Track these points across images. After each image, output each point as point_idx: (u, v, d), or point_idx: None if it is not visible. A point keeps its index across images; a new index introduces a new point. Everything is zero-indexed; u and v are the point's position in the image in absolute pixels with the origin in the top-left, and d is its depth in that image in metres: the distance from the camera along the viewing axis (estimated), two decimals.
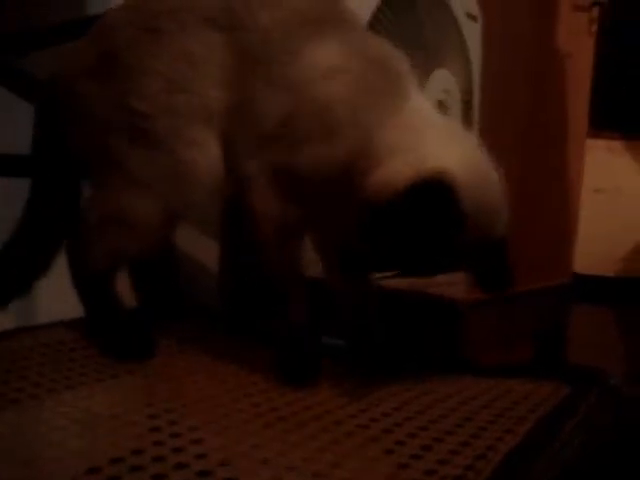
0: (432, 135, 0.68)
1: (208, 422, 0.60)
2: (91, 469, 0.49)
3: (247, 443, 0.55)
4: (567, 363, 1.37)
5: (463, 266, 0.70)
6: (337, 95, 0.69)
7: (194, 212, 0.81)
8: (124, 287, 0.92)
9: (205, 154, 0.73)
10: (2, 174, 0.92)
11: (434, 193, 0.62)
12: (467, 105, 1.40)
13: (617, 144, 3.16)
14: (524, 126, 2.14)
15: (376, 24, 1.16)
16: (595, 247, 2.95)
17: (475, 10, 1.43)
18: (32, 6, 1.03)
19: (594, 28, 2.43)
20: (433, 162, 0.64)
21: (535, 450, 0.58)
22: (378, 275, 0.86)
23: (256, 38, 0.72)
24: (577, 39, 2.33)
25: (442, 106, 1.29)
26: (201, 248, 1.17)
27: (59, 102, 0.77)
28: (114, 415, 0.59)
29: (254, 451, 0.54)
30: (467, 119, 1.40)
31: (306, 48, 0.71)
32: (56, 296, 1.15)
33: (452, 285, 1.30)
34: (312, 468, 0.52)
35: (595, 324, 2.13)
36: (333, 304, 0.89)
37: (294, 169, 0.72)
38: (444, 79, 1.30)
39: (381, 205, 0.62)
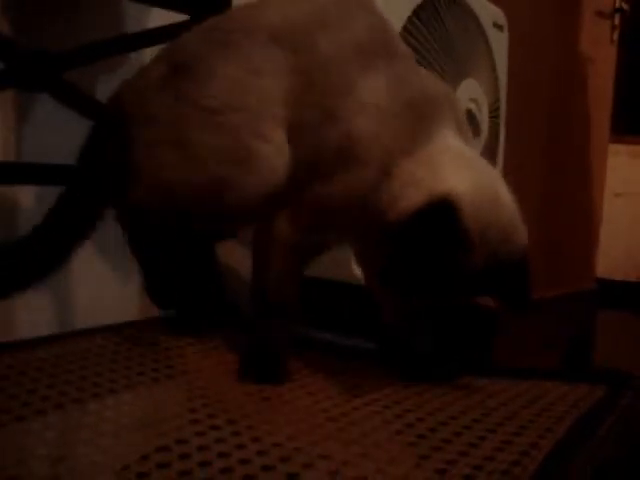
0: (449, 166, 0.71)
1: (245, 415, 0.63)
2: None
3: (304, 440, 0.58)
4: (598, 367, 1.39)
5: (482, 290, 0.71)
6: (370, 131, 0.73)
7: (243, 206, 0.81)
8: None
9: (269, 147, 0.76)
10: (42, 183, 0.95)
11: (438, 215, 0.65)
12: (494, 114, 1.43)
13: (638, 149, 3.17)
14: (547, 131, 2.16)
15: (406, 35, 1.19)
16: (616, 251, 2.96)
17: (502, 20, 1.46)
18: (77, 25, 1.08)
19: (616, 35, 2.45)
20: (442, 187, 0.67)
21: (575, 447, 0.61)
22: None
23: (315, 62, 0.75)
24: (600, 45, 2.35)
25: (470, 115, 1.32)
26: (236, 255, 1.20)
27: (126, 112, 0.80)
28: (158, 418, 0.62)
29: (311, 448, 0.57)
30: (494, 128, 1.43)
31: (359, 81, 0.74)
32: (92, 302, 1.20)
33: None
34: (370, 465, 0.55)
35: (617, 329, 2.15)
36: (372, 309, 0.92)
37: (322, 199, 0.75)
38: (472, 88, 1.33)
39: (394, 230, 0.65)
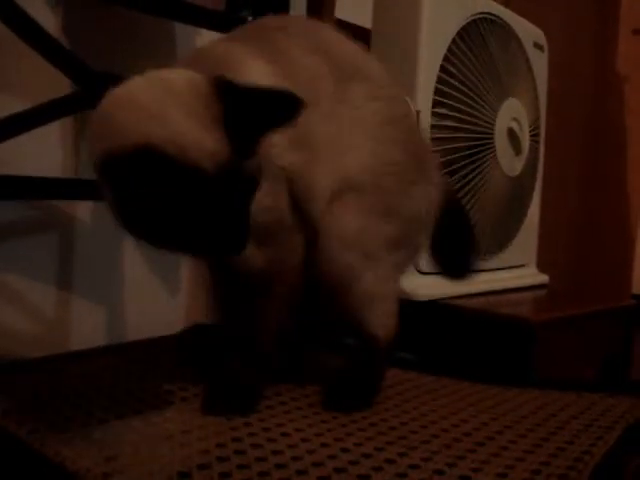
0: None
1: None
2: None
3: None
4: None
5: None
6: None
7: None
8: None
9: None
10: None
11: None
12: (534, 132, 1.46)
13: None
14: (584, 148, 2.19)
15: (451, 56, 1.23)
16: None
17: (542, 40, 1.49)
18: (135, 48, 1.14)
19: None
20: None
21: (627, 453, 0.64)
22: None
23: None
24: (636, 64, 2.37)
25: (512, 134, 1.35)
26: None
27: None
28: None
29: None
30: (534, 146, 1.46)
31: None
32: (141, 315, 1.24)
33: (522, 305, 1.36)
34: (432, 466, 0.58)
35: None
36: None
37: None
38: (514, 108, 1.37)
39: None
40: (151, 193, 0.57)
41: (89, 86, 0.85)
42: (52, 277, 1.14)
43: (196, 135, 0.58)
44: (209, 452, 0.60)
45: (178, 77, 0.62)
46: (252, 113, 0.60)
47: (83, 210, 1.17)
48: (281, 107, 0.61)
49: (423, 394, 0.82)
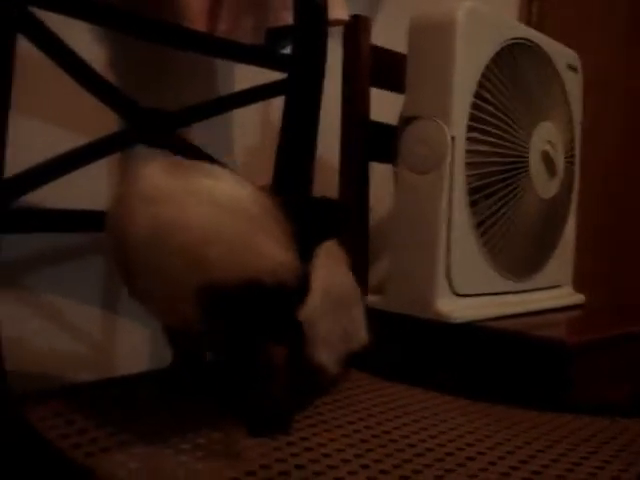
0: None
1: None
2: None
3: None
4: None
5: None
6: None
7: None
8: None
9: None
10: None
11: None
12: (570, 154, 1.47)
13: None
14: (617, 164, 2.19)
15: (485, 82, 1.25)
16: None
17: (576, 61, 1.51)
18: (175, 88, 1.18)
19: None
20: None
21: None
22: None
23: None
24: None
25: (547, 157, 1.37)
26: None
27: None
28: None
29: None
30: (569, 168, 1.48)
31: None
32: None
33: (558, 326, 1.37)
34: None
35: None
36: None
37: None
38: (548, 131, 1.39)
39: None
40: (249, 312, 0.62)
41: (138, 122, 0.89)
42: (98, 301, 1.19)
43: (283, 259, 0.62)
44: (255, 474, 0.63)
45: (240, 194, 0.64)
46: (314, 226, 0.65)
47: None
48: (335, 217, 0.67)
49: (458, 416, 0.84)
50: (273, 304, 0.62)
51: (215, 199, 0.62)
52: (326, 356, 0.84)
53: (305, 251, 0.64)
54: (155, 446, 0.68)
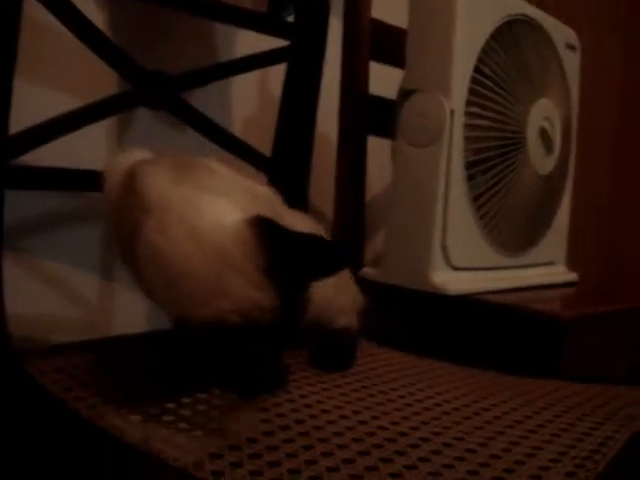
0: None
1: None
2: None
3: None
4: None
5: None
6: None
7: None
8: None
9: None
10: None
11: None
12: (566, 132, 1.48)
13: None
14: (612, 148, 2.20)
15: (484, 57, 1.26)
16: None
17: (574, 40, 1.51)
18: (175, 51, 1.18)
19: None
20: None
21: None
22: None
23: None
24: None
25: (544, 134, 1.38)
26: None
27: None
28: None
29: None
30: (566, 146, 1.49)
31: None
32: None
33: (552, 301, 1.38)
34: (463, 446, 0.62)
35: None
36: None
37: None
38: (546, 108, 1.39)
39: None
40: (217, 349, 0.62)
41: (142, 85, 0.89)
42: (96, 266, 1.20)
43: (253, 298, 0.61)
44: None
45: (222, 229, 0.64)
46: (297, 264, 0.63)
47: None
48: (326, 258, 0.65)
49: (454, 380, 0.86)
50: (242, 341, 0.61)
51: (197, 234, 0.63)
52: (346, 321, 0.91)
53: (294, 285, 0.63)
54: (154, 405, 0.69)
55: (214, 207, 0.66)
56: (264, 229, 0.63)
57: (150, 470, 0.59)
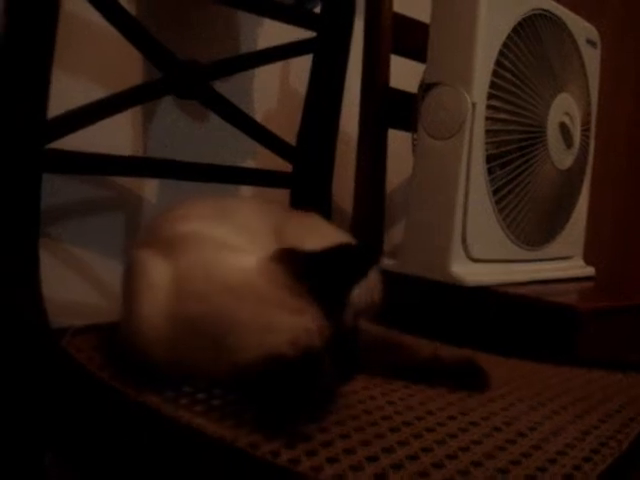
0: None
1: None
2: None
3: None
4: None
5: None
6: None
7: None
8: None
9: None
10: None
11: None
12: (586, 127, 1.49)
13: None
14: (630, 143, 2.20)
15: (506, 51, 1.27)
16: None
17: (595, 36, 1.52)
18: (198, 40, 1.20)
19: None
20: None
21: None
22: None
23: None
24: None
25: (564, 128, 1.39)
26: None
27: None
28: None
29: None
30: (585, 141, 1.50)
31: None
32: None
33: (570, 294, 1.39)
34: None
35: None
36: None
37: None
38: (566, 103, 1.40)
39: None
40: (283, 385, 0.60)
41: (173, 73, 0.91)
42: (118, 252, 1.22)
43: (300, 324, 0.62)
44: None
45: (247, 270, 0.66)
46: (333, 278, 0.65)
47: (150, 190, 1.25)
48: (354, 262, 0.67)
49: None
50: (303, 371, 0.59)
51: (226, 283, 0.65)
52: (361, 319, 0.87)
53: (332, 300, 0.64)
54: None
55: (231, 258, 0.69)
56: (285, 258, 0.66)
57: (185, 443, 0.60)
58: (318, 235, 0.84)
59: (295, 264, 0.65)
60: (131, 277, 0.72)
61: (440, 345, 0.91)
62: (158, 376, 0.68)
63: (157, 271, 0.70)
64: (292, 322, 0.62)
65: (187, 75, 0.90)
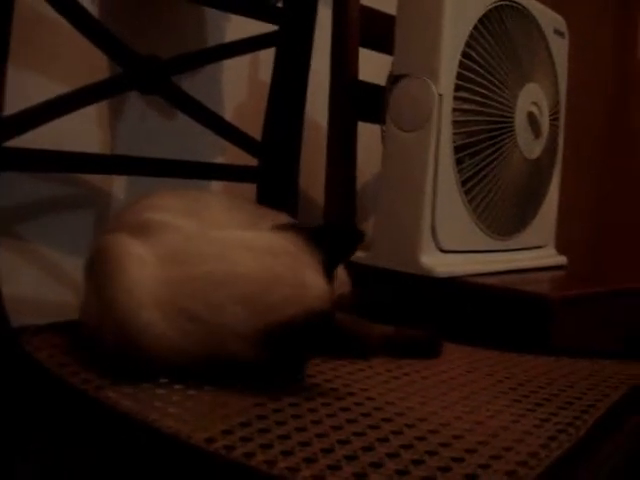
0: None
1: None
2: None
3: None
4: None
5: None
6: None
7: None
8: None
9: None
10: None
11: None
12: (554, 117, 1.50)
13: None
14: (605, 134, 2.22)
15: (473, 42, 1.27)
16: None
17: (562, 27, 1.53)
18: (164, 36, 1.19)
19: None
20: None
21: (629, 408, 0.69)
22: None
23: None
24: None
25: (532, 118, 1.39)
26: None
27: None
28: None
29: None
30: (554, 130, 1.50)
31: None
32: None
33: (540, 283, 1.40)
34: (448, 414, 0.64)
35: None
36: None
37: None
38: (534, 92, 1.41)
39: None
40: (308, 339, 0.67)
41: (133, 68, 0.90)
42: (86, 249, 1.21)
43: (324, 285, 0.69)
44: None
45: (272, 239, 0.72)
46: (336, 251, 0.74)
47: (118, 187, 1.24)
48: (348, 239, 0.76)
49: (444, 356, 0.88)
50: (323, 326, 0.67)
51: (255, 248, 0.70)
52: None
53: (330, 274, 0.71)
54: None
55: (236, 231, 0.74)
56: (301, 230, 0.72)
57: (144, 439, 0.60)
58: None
59: (306, 235, 0.71)
60: (105, 261, 0.71)
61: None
62: (148, 368, 0.68)
63: (138, 249, 0.70)
64: (318, 281, 0.69)
65: (147, 70, 0.89)
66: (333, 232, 0.76)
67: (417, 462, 0.53)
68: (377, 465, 0.52)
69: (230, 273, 0.67)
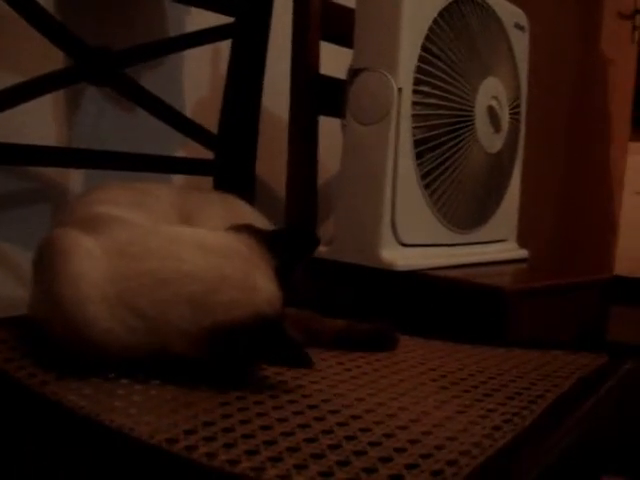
0: None
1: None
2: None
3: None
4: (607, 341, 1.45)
5: None
6: None
7: None
8: None
9: None
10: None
11: None
12: (515, 111, 1.51)
13: None
14: (567, 130, 2.24)
15: (432, 36, 1.27)
16: (635, 249, 3.00)
17: (523, 21, 1.54)
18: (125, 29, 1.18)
19: (637, 35, 2.51)
20: None
21: (578, 398, 0.70)
22: None
23: None
24: (620, 46, 2.42)
25: (491, 112, 1.40)
26: None
27: None
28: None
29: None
30: (514, 125, 1.51)
31: None
32: None
33: (499, 276, 1.41)
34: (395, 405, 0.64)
35: (633, 324, 2.20)
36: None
37: None
38: (494, 86, 1.41)
39: None
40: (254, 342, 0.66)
41: (84, 60, 0.89)
42: None
43: (274, 289, 0.69)
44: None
45: (226, 239, 0.71)
46: (291, 254, 0.73)
47: (75, 181, 1.23)
48: (304, 243, 0.76)
49: (399, 348, 0.88)
50: (270, 331, 0.66)
51: (206, 247, 0.69)
52: None
53: (284, 279, 0.71)
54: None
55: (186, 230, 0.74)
56: (256, 233, 0.72)
57: (92, 438, 0.59)
58: (214, 212, 0.85)
59: (260, 238, 0.71)
60: (53, 254, 0.70)
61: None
62: (95, 362, 0.68)
63: (86, 243, 0.69)
64: (269, 285, 0.68)
65: (98, 62, 0.88)
66: (288, 236, 0.76)
67: (359, 453, 0.53)
68: (319, 456, 0.52)
69: (177, 271, 0.67)
